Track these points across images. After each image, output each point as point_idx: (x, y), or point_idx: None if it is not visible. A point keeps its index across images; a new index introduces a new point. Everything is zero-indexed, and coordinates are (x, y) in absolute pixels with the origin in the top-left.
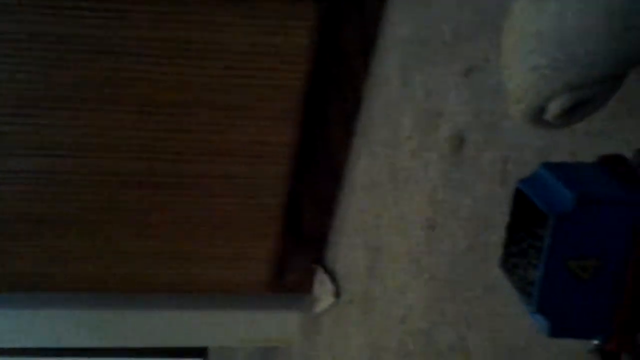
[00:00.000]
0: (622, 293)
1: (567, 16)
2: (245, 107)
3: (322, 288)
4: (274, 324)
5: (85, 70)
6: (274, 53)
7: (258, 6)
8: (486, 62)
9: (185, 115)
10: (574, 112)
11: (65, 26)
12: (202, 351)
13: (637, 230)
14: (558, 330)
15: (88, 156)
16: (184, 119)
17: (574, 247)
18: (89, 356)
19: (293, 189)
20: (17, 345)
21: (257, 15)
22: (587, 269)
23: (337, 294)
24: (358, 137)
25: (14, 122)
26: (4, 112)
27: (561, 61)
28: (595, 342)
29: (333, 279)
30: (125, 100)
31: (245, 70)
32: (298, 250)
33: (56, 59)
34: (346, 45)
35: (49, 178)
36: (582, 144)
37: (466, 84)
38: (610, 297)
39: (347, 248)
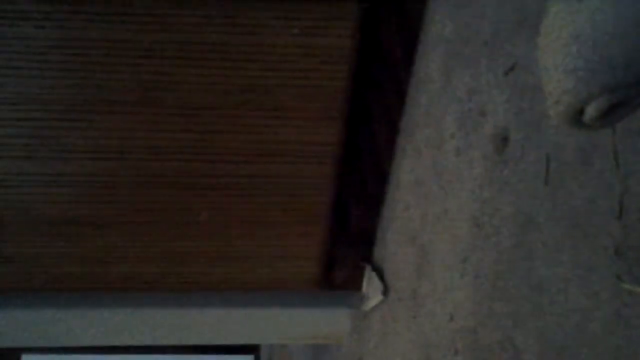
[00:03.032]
0: None
1: (602, 18)
2: (289, 108)
3: (371, 286)
4: (324, 321)
5: (130, 75)
6: (316, 54)
7: (299, 8)
8: (526, 61)
9: (229, 118)
10: (611, 114)
11: (110, 32)
12: (253, 348)
13: None
14: None
15: (135, 158)
16: (228, 121)
17: None
18: (141, 353)
19: (340, 187)
20: (72, 344)
21: (298, 17)
22: None
23: (386, 292)
24: (402, 135)
25: (60, 126)
26: (51, 117)
27: (597, 63)
28: None
29: (381, 276)
30: (169, 103)
31: (288, 71)
32: (346, 248)
33: (101, 64)
34: (388, 44)
35: (97, 181)
36: (623, 142)
37: (508, 83)
38: None
39: (395, 246)
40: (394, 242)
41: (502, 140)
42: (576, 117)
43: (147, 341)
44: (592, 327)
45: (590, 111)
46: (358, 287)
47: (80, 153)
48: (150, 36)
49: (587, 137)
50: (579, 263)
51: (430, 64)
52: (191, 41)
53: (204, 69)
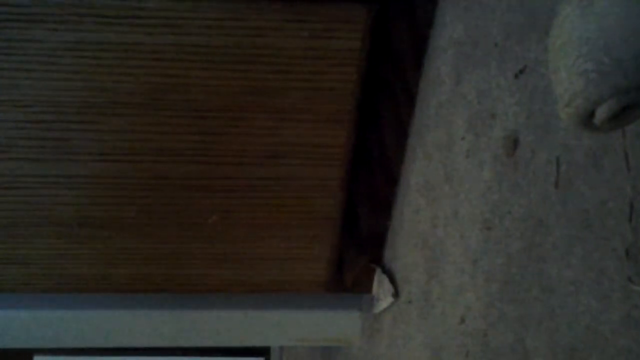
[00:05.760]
0: None
1: (612, 20)
2: (298, 110)
3: (381, 288)
4: (334, 323)
5: (140, 77)
6: (325, 56)
7: (308, 10)
8: (537, 64)
9: (238, 120)
10: (622, 116)
11: (121, 34)
12: (264, 351)
13: None
14: None
15: (144, 160)
16: (238, 123)
17: None
18: (150, 355)
19: (349, 190)
20: (83, 345)
21: (307, 20)
22: None
23: (396, 294)
24: (412, 138)
25: (70, 128)
26: (61, 119)
27: (608, 65)
28: None
29: (391, 279)
30: (178, 105)
31: (297, 74)
32: (356, 251)
33: (112, 66)
34: (398, 46)
35: (108, 182)
36: (633, 145)
37: (518, 85)
38: None
39: (405, 248)
40: (404, 245)
41: (512, 143)
42: (587, 120)
43: (156, 343)
44: (602, 329)
45: (601, 113)
46: (368, 290)
47: (90, 155)
48: (161, 39)
49: (598, 139)
50: (590, 265)
51: (440, 66)
52: (201, 44)
53: (214, 72)
